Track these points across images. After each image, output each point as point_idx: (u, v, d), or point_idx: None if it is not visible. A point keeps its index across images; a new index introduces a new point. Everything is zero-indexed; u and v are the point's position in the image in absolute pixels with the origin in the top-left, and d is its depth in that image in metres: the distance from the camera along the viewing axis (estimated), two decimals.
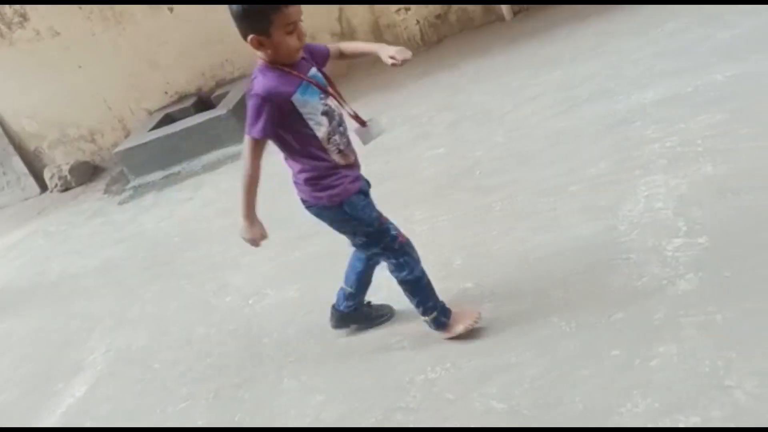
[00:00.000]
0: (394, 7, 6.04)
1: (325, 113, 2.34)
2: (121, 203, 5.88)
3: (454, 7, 5.94)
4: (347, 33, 6.22)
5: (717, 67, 3.64)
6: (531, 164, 3.61)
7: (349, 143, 2.44)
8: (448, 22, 6.02)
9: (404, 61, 2.41)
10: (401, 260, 2.52)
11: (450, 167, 3.98)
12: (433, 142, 4.39)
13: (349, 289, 2.80)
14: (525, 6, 5.77)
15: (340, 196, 2.41)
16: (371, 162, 4.43)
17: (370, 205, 2.51)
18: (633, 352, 2.19)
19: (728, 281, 2.30)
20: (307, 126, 2.32)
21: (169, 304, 3.82)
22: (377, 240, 2.49)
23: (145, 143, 6.12)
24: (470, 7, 5.92)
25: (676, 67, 3.84)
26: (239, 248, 4.12)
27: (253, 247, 2.53)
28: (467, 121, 4.44)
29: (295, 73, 2.29)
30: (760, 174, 2.73)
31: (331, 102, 2.38)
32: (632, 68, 4.11)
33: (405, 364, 2.59)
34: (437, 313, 2.59)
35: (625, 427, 1.98)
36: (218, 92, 6.44)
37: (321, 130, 2.33)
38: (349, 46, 2.62)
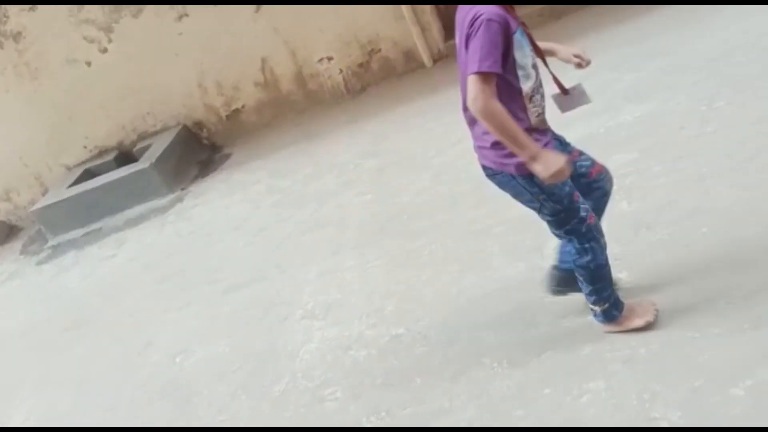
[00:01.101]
0: (317, 57, 6.11)
1: (533, 66, 2.11)
2: (39, 263, 5.65)
3: (377, 55, 6.06)
4: (271, 82, 6.24)
5: (626, 108, 3.82)
6: (457, 207, 3.67)
7: (545, 109, 2.20)
8: (371, 70, 6.13)
9: (588, 63, 2.24)
10: (586, 246, 2.22)
11: (378, 213, 4.00)
12: (360, 188, 4.42)
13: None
14: (445, 54, 5.93)
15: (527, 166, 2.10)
16: (299, 211, 4.46)
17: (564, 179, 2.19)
18: (563, 389, 2.22)
19: None
20: (515, 76, 2.05)
21: (93, 366, 3.66)
22: (564, 220, 2.19)
23: (64, 200, 5.92)
24: (392, 55, 6.05)
25: (588, 109, 3.98)
26: (166, 304, 4.03)
27: (565, 176, 2.04)
28: (393, 167, 4.50)
29: (513, 13, 2.04)
30: (670, 209, 2.85)
31: (537, 62, 2.15)
32: (548, 111, 4.26)
33: (340, 415, 2.55)
34: (609, 305, 2.32)
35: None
36: (140, 145, 6.32)
37: (527, 84, 2.08)
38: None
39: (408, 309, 3.00)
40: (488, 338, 2.61)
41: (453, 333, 2.72)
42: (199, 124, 6.45)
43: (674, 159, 3.19)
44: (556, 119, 2.32)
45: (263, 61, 6.17)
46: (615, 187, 3.11)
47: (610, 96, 4.05)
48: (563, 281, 2.48)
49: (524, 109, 2.10)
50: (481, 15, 1.94)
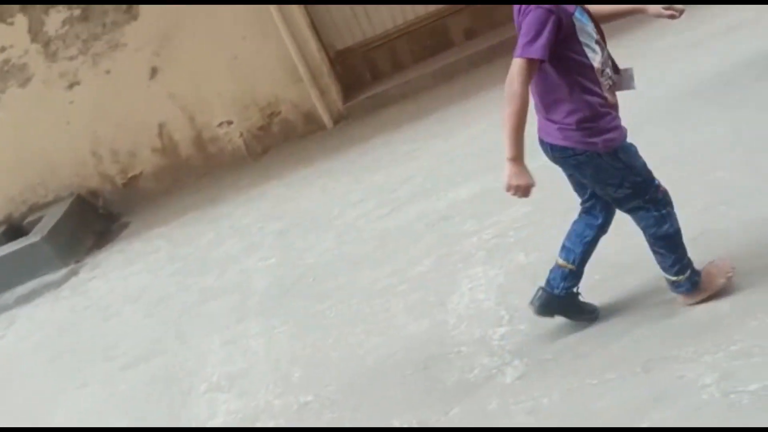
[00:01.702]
0: (216, 121, 6.08)
1: (597, 42, 2.17)
2: None
3: (277, 118, 6.09)
4: (169, 148, 6.14)
5: None
6: (361, 267, 3.68)
7: (613, 82, 2.24)
8: (272, 132, 6.15)
9: (681, 12, 2.25)
10: (664, 212, 2.28)
11: (283, 276, 3.96)
12: (264, 252, 4.37)
13: (569, 267, 2.47)
14: (345, 116, 6.04)
15: (615, 141, 2.18)
16: (201, 278, 4.35)
17: (637, 151, 2.27)
18: None
19: (550, 363, 2.44)
20: (583, 53, 2.12)
21: None
22: (644, 190, 2.25)
23: None
24: (292, 117, 6.10)
25: (483, 166, 4.15)
26: (59, 385, 3.79)
27: (523, 198, 2.22)
28: (297, 229, 4.48)
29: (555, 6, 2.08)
30: None
31: (602, 40, 2.21)
32: (446, 168, 4.39)
33: None
34: (692, 271, 2.34)
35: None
36: (31, 217, 6.02)
37: (596, 59, 2.15)
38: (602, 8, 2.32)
39: (315, 374, 2.95)
40: (396, 398, 2.59)
41: (361, 396, 2.69)
42: (94, 194, 6.23)
43: (565, 210, 3.30)
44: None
45: (160, 126, 6.07)
46: (512, 240, 3.28)
47: (503, 152, 4.21)
48: (547, 305, 2.53)
49: (597, 83, 2.16)
50: (529, 6, 2.05)
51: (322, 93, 5.95)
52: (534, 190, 3.56)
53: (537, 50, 2.03)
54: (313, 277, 3.80)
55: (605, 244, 2.91)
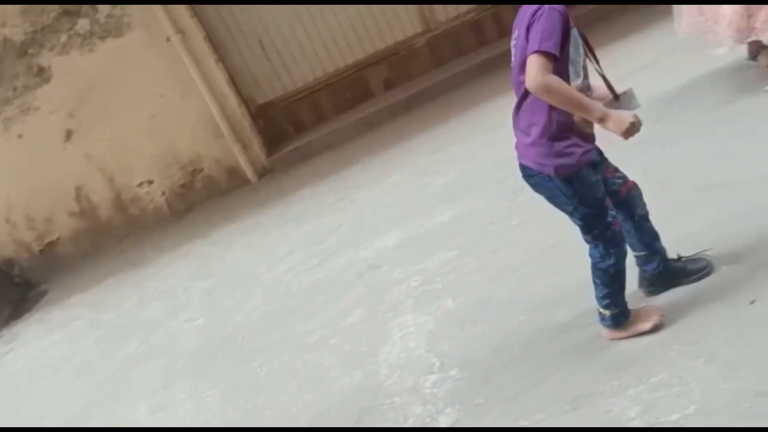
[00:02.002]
0: (136, 181, 5.97)
1: (584, 67, 2.22)
2: None
3: (199, 175, 6.03)
4: (87, 211, 5.97)
5: (440, 210, 4.06)
6: (291, 321, 3.64)
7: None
8: (195, 190, 6.07)
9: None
10: (611, 250, 2.32)
11: (211, 337, 3.86)
12: (191, 313, 4.26)
13: (642, 253, 2.50)
14: (269, 169, 6.03)
15: (568, 168, 2.20)
16: (125, 344, 4.20)
17: (598, 183, 2.29)
18: None
19: (481, 408, 2.45)
20: (568, 71, 2.17)
21: None
22: (592, 225, 2.29)
23: None
24: (215, 174, 6.04)
25: (407, 213, 4.21)
26: None
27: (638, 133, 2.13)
28: (224, 287, 4.40)
29: (566, 13, 2.15)
30: (490, 301, 3.02)
31: (587, 66, 2.26)
32: (371, 217, 4.43)
33: None
34: (619, 311, 2.40)
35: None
36: None
37: (576, 81, 2.19)
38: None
39: None
40: None
41: None
42: (8, 262, 5.97)
43: (488, 253, 3.40)
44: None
45: (78, 189, 5.91)
46: (440, 286, 3.32)
47: (424, 199, 4.30)
48: (652, 285, 2.56)
49: None
50: (543, 7, 2.10)
51: (245, 147, 5.94)
52: (457, 234, 3.69)
53: (553, 46, 2.08)
54: (242, 335, 3.72)
55: (530, 282, 2.98)
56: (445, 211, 4.02)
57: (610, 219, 2.32)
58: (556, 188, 2.25)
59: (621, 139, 2.14)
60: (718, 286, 2.51)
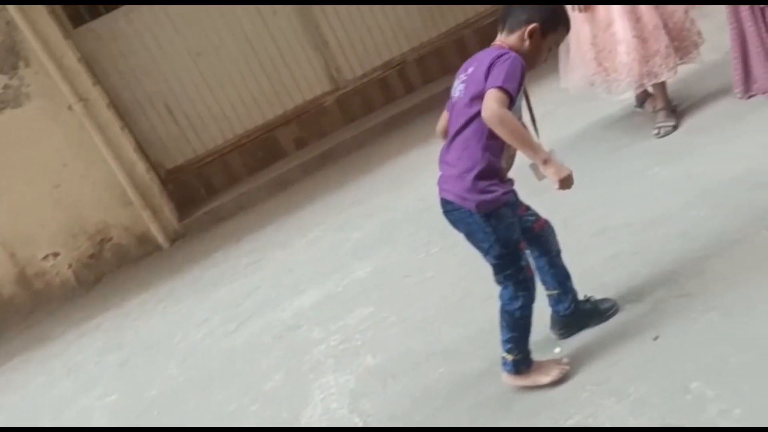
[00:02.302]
0: (41, 254, 5.72)
1: (520, 119, 2.31)
2: None
3: (108, 244, 5.84)
4: None
5: (357, 265, 4.08)
6: (209, 390, 3.53)
7: (512, 165, 2.39)
8: (104, 259, 5.87)
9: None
10: (519, 294, 2.38)
11: (125, 413, 3.69)
12: (103, 389, 4.06)
13: (555, 291, 2.58)
14: (182, 234, 5.91)
15: (489, 205, 2.27)
16: (33, 426, 3.95)
17: (515, 225, 2.36)
18: None
19: None
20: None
21: None
22: (506, 265, 2.35)
23: None
24: (125, 242, 5.88)
25: (324, 271, 4.21)
26: None
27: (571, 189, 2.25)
28: (138, 359, 4.24)
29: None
30: (409, 355, 3.04)
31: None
32: (288, 277, 4.40)
33: None
34: (522, 358, 2.45)
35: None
36: None
37: None
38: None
39: None
40: None
41: None
42: None
43: (405, 307, 3.43)
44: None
45: None
46: (359, 343, 3.32)
47: (340, 255, 4.32)
48: (564, 326, 2.65)
49: (501, 151, 2.30)
50: (510, 53, 2.24)
51: (155, 213, 5.81)
52: (374, 289, 3.71)
53: (513, 89, 2.19)
54: (157, 409, 3.58)
55: (445, 333, 3.02)
56: (362, 267, 4.04)
57: (523, 263, 2.40)
58: (476, 224, 2.32)
59: (556, 186, 2.25)
60: (623, 325, 2.63)
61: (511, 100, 2.18)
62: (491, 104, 2.16)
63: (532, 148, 2.21)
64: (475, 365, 2.76)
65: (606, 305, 2.68)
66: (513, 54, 2.24)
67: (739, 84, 3.78)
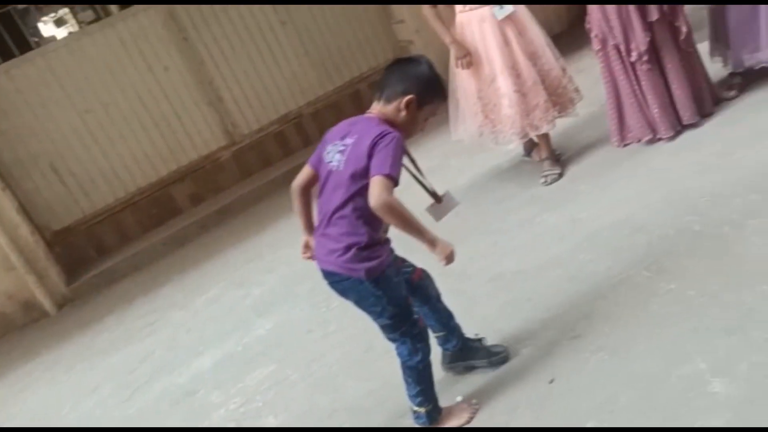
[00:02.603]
0: None
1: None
2: None
3: None
4: None
5: (258, 322, 3.99)
6: None
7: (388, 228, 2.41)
8: None
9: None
10: (418, 346, 2.44)
11: None
12: None
13: (441, 333, 2.69)
14: (70, 298, 5.61)
15: (376, 270, 2.31)
16: None
17: (401, 283, 2.44)
18: None
19: None
20: None
21: None
22: (400, 322, 2.41)
23: None
24: (8, 310, 5.50)
25: (224, 330, 4.09)
26: None
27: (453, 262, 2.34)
28: None
29: None
30: (312, 414, 2.98)
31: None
32: (186, 338, 4.24)
33: None
34: (433, 406, 2.51)
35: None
36: None
37: None
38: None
39: None
40: None
41: None
42: None
43: (307, 363, 3.38)
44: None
45: None
46: (260, 404, 3.22)
47: (240, 313, 4.22)
48: (452, 361, 2.77)
49: (380, 224, 2.34)
50: (392, 132, 2.26)
51: (41, 278, 5.49)
52: (275, 347, 3.64)
53: (399, 172, 2.25)
54: None
55: (348, 389, 2.99)
56: (263, 324, 3.96)
57: (415, 317, 2.47)
58: (366, 291, 2.34)
59: (443, 263, 2.33)
60: (520, 370, 2.69)
61: (396, 182, 2.23)
62: (380, 193, 2.18)
63: (420, 232, 2.27)
64: (379, 419, 2.74)
65: (497, 349, 2.78)
66: (395, 134, 2.26)
67: (616, 133, 4.04)
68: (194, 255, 5.52)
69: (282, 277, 4.46)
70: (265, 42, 6.32)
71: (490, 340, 2.91)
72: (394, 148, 2.22)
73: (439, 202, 2.64)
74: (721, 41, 4.05)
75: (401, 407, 2.64)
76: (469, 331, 2.81)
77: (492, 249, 3.64)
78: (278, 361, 3.52)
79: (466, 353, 2.76)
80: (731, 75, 4.12)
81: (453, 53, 3.96)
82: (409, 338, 2.44)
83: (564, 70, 4.05)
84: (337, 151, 2.35)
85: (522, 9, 3.94)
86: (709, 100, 3.97)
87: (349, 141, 2.33)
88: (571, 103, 4.05)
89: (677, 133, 3.88)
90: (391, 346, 2.51)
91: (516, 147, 4.34)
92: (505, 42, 3.86)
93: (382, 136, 2.24)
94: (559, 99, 4.00)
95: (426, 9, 3.95)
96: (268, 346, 3.71)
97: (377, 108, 2.39)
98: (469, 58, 3.91)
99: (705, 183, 3.34)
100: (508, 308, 3.09)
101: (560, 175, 4.07)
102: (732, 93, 4.05)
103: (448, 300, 3.33)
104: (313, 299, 3.94)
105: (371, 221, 2.30)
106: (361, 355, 3.21)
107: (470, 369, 2.77)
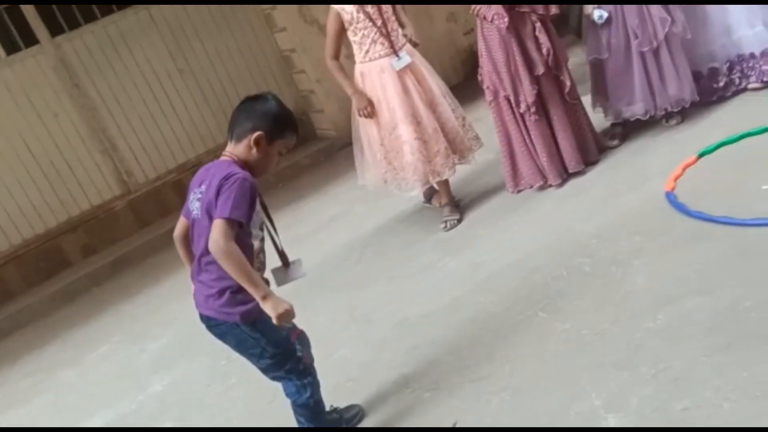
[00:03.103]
0: None
1: (261, 228, 2.42)
2: None
3: None
4: None
5: (154, 378, 3.82)
6: None
7: (264, 267, 2.44)
8: None
9: None
10: (305, 381, 2.44)
11: None
12: None
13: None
14: None
15: (251, 313, 2.29)
16: None
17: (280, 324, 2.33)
18: None
19: None
20: (249, 234, 2.32)
21: None
22: (283, 362, 2.40)
23: None
24: None
25: (118, 388, 3.89)
26: None
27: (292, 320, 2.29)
28: None
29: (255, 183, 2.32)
30: None
31: (264, 226, 2.45)
32: (75, 398, 4.00)
33: None
34: None
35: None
36: None
37: (255, 243, 2.36)
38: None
39: None
40: None
41: None
42: None
43: (207, 419, 3.26)
44: None
45: None
46: None
47: (136, 369, 4.03)
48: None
49: (250, 261, 2.29)
50: (237, 174, 2.25)
51: None
52: (173, 404, 3.48)
53: (244, 214, 2.22)
54: None
55: None
56: (160, 380, 3.79)
57: (299, 354, 2.47)
58: (243, 334, 2.34)
59: (274, 321, 2.24)
60: (424, 414, 2.70)
61: (241, 225, 2.22)
62: (217, 238, 2.18)
63: (252, 283, 2.21)
64: None
65: (351, 413, 2.78)
66: (239, 176, 2.24)
67: (510, 180, 4.20)
68: (85, 310, 5.23)
69: (180, 330, 4.29)
70: (162, 89, 6.20)
71: (394, 386, 2.92)
72: (237, 190, 2.21)
73: (286, 266, 2.62)
74: (601, 94, 4.34)
75: None
76: (377, 380, 2.79)
77: (396, 294, 3.67)
78: (176, 419, 3.37)
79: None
80: (613, 125, 4.40)
81: (355, 103, 4.03)
82: (294, 375, 2.45)
83: (463, 118, 4.20)
84: (196, 199, 2.36)
85: (419, 59, 4.08)
86: (593, 148, 4.21)
87: (203, 188, 2.33)
88: (469, 151, 4.19)
89: (564, 180, 4.09)
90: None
91: (418, 193, 4.43)
92: (405, 91, 3.97)
93: (227, 178, 2.24)
94: (459, 146, 4.14)
95: (329, 61, 4.01)
96: (165, 404, 3.55)
97: (230, 149, 2.40)
98: (370, 108, 3.99)
99: (593, 226, 3.52)
100: (413, 352, 3.10)
101: (459, 221, 4.18)
102: (615, 142, 4.32)
103: (353, 346, 3.35)
104: (213, 351, 3.77)
105: None
106: (264, 407, 3.12)
107: None
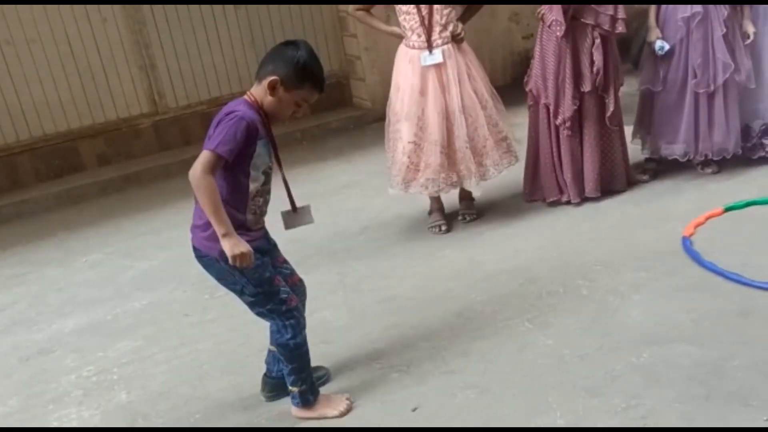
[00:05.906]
0: None
1: (264, 173, 2.36)
2: None
3: None
4: None
5: (135, 296, 3.81)
6: None
7: (264, 213, 2.43)
8: None
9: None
10: (287, 323, 2.44)
11: None
12: None
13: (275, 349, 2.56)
14: None
15: None
16: None
17: (264, 265, 2.39)
18: None
19: None
20: (247, 174, 2.30)
21: None
22: (264, 301, 2.41)
23: None
24: None
25: (98, 296, 3.88)
26: None
27: (249, 266, 2.28)
28: None
29: (267, 125, 2.33)
30: (168, 397, 2.85)
31: (271, 171, 2.40)
32: (56, 297, 4.00)
33: None
34: (306, 388, 2.52)
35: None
36: None
37: (253, 185, 2.33)
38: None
39: None
40: None
41: None
42: None
43: (176, 346, 3.24)
44: None
45: None
46: (116, 377, 3.06)
47: (120, 283, 4.02)
48: (274, 389, 2.68)
49: (245, 205, 2.33)
50: (237, 112, 2.22)
51: None
52: (147, 324, 3.48)
53: (227, 151, 2.19)
54: None
55: (212, 379, 2.87)
56: (141, 298, 3.78)
57: (283, 296, 2.44)
58: (222, 270, 2.36)
59: (230, 262, 2.24)
60: (385, 392, 2.66)
61: (226, 161, 2.20)
62: (196, 166, 2.19)
63: (217, 218, 2.21)
64: (235, 414, 2.65)
65: (319, 373, 2.74)
66: (240, 114, 2.22)
67: (526, 187, 4.15)
68: (87, 216, 5.24)
69: (173, 256, 4.28)
70: (213, 20, 6.16)
71: (365, 358, 2.88)
72: (231, 127, 2.19)
73: (294, 211, 2.62)
74: (644, 126, 4.25)
75: (260, 404, 2.54)
76: (350, 347, 2.77)
77: (390, 272, 3.63)
78: (146, 338, 3.35)
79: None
80: (647, 160, 4.32)
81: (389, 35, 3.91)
82: (276, 315, 2.45)
83: (503, 131, 3.91)
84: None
85: (471, 59, 3.83)
86: (622, 178, 4.13)
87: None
88: (512, 155, 3.96)
89: (583, 201, 4.01)
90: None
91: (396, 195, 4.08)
92: (422, 91, 3.74)
93: (227, 114, 2.24)
94: (478, 159, 3.85)
95: (351, 8, 3.93)
96: (140, 322, 3.54)
97: (253, 89, 2.36)
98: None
99: (601, 252, 3.46)
100: (392, 331, 3.07)
101: (477, 216, 4.09)
102: (645, 177, 4.24)
103: (335, 311, 3.32)
104: (199, 284, 3.78)
105: (233, 201, 2.30)
106: (234, 348, 3.11)
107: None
